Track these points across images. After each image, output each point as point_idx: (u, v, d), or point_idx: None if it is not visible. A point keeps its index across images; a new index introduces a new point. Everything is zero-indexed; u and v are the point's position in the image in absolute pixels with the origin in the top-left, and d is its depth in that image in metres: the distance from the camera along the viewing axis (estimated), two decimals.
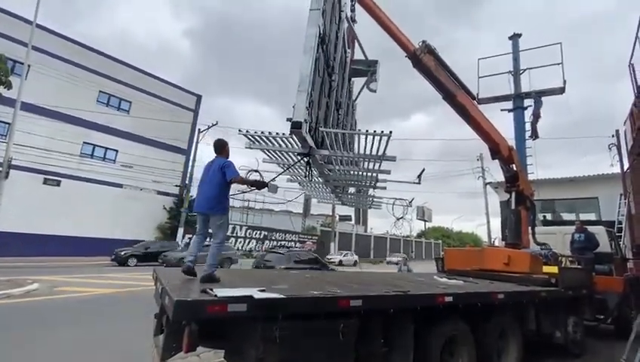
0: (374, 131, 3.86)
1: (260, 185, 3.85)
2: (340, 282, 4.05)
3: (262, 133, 4.18)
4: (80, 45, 21.82)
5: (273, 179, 4.20)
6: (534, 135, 10.24)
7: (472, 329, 3.75)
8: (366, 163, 4.72)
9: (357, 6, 5.93)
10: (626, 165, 12.74)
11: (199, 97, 28.38)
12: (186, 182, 24.65)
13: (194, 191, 24.89)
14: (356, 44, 6.38)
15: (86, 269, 14.47)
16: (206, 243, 3.98)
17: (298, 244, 33.10)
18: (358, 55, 6.46)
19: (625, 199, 12.05)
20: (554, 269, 5.59)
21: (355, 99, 7.10)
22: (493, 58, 12.27)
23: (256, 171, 4.17)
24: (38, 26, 15.26)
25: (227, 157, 3.80)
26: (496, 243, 19.45)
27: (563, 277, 5.24)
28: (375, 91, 6.25)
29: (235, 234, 28.08)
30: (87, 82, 21.43)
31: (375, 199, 7.91)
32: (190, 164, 25.01)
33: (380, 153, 4.16)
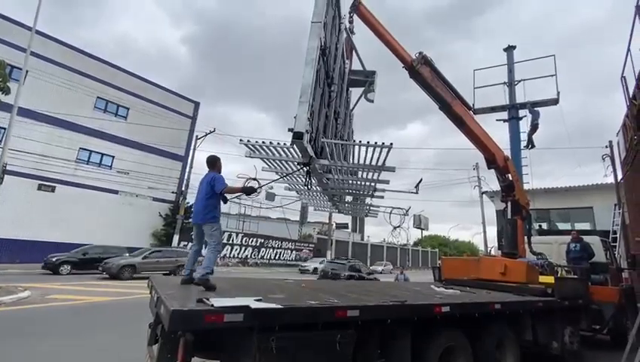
0: (375, 143, 3.93)
1: (248, 190, 4.01)
2: (336, 291, 4.03)
3: (262, 142, 4.24)
4: (78, 51, 21.86)
5: (266, 185, 4.25)
6: (530, 145, 10.36)
7: (469, 340, 3.73)
8: (365, 173, 4.77)
9: (355, 18, 6.02)
10: (620, 176, 12.90)
11: (197, 104, 28.46)
12: (183, 188, 24.52)
13: (190, 198, 24.80)
14: (354, 55, 6.47)
15: (79, 277, 14.26)
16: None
17: (294, 252, 32.95)
18: (356, 65, 6.55)
19: (619, 209, 12.19)
20: (550, 279, 5.61)
21: (352, 108, 7.18)
22: (489, 68, 12.51)
23: (254, 179, 4.20)
24: (37, 32, 15.30)
25: (219, 172, 3.99)
26: (493, 253, 19.49)
27: (559, 287, 5.25)
28: (372, 101, 6.33)
29: (230, 242, 27.89)
30: (84, 88, 21.43)
31: (372, 208, 7.94)
32: (187, 170, 24.94)
33: (380, 163, 4.23)
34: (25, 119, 18.23)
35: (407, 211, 8.42)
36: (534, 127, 10.25)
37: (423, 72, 6.06)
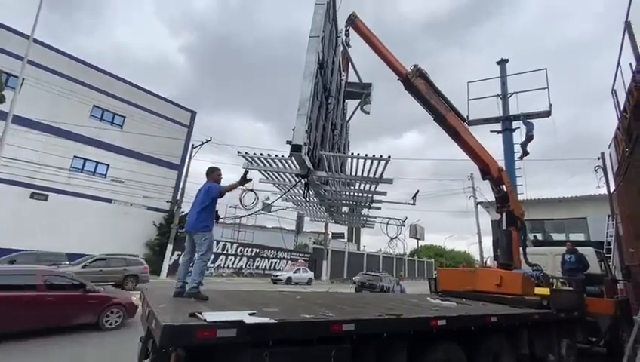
0: (373, 155, 3.97)
1: (242, 180, 4.05)
2: (332, 304, 3.99)
3: (260, 154, 4.26)
4: (75, 60, 21.88)
5: (266, 199, 4.27)
6: (524, 153, 10.46)
7: (465, 353, 3.70)
8: (362, 184, 4.80)
9: (351, 31, 6.12)
10: (613, 187, 13.05)
11: (194, 113, 28.50)
12: (178, 197, 24.34)
13: (185, 207, 24.59)
14: (350, 67, 6.56)
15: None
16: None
17: (290, 262, 32.63)
18: (352, 78, 6.63)
19: (613, 220, 12.28)
20: (546, 291, 5.62)
21: (349, 119, 7.23)
22: (483, 81, 12.71)
23: (250, 190, 4.22)
24: (35, 41, 15.33)
25: (217, 183, 4.04)
26: (489, 263, 19.45)
27: (555, 299, 5.25)
28: (369, 113, 6.40)
29: (225, 252, 27.59)
30: (81, 96, 21.40)
31: (369, 218, 7.95)
32: (182, 179, 24.79)
33: (378, 175, 4.26)
34: (20, 127, 18.11)
35: (403, 222, 8.44)
36: (529, 138, 10.38)
37: (417, 85, 6.14)
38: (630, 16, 6.53)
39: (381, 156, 4.00)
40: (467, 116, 10.78)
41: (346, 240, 49.63)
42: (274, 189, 5.44)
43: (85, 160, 21.78)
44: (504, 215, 7.23)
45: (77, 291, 6.63)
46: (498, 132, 11.29)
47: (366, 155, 4.08)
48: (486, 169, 7.12)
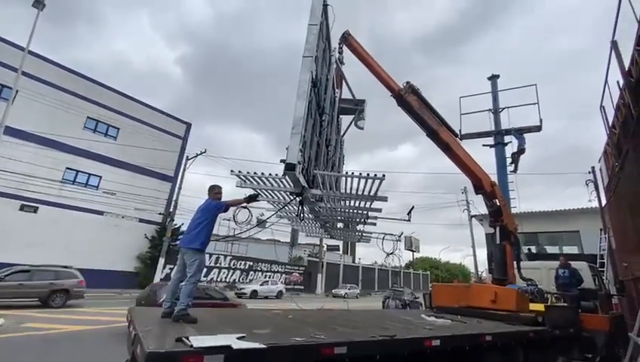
0: (367, 174, 3.98)
1: (250, 198, 4.11)
2: (324, 323, 3.91)
3: (254, 173, 4.26)
4: (69, 71, 21.88)
5: (266, 219, 4.25)
6: (515, 167, 10.58)
7: None
8: (357, 202, 4.80)
9: (345, 49, 6.21)
10: (604, 201, 13.19)
11: (188, 125, 28.48)
12: (170, 210, 24.07)
13: (177, 220, 24.31)
14: (344, 84, 6.63)
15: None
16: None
17: (284, 276, 32.23)
18: (346, 94, 6.70)
19: (605, 234, 12.37)
20: (540, 307, 5.58)
21: (343, 135, 7.27)
22: (475, 96, 12.95)
23: (244, 208, 4.19)
24: (30, 52, 15.34)
25: (218, 200, 4.02)
26: (484, 275, 19.40)
27: (550, 315, 5.21)
28: (362, 129, 6.44)
29: (218, 265, 27.20)
30: (74, 108, 21.31)
31: (364, 233, 7.92)
32: (176, 191, 24.59)
33: (372, 193, 4.26)
34: (12, 138, 17.94)
35: (399, 237, 8.42)
36: (521, 151, 10.52)
37: (410, 101, 6.22)
38: (616, 35, 6.73)
39: (375, 175, 4.02)
40: (459, 130, 10.94)
41: (341, 252, 49.33)
42: (268, 206, 5.41)
43: (77, 171, 21.53)
44: (497, 229, 7.25)
45: (223, 301, 9.78)
46: (490, 146, 11.43)
47: (360, 174, 4.09)
48: (479, 183, 7.17)
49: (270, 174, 4.25)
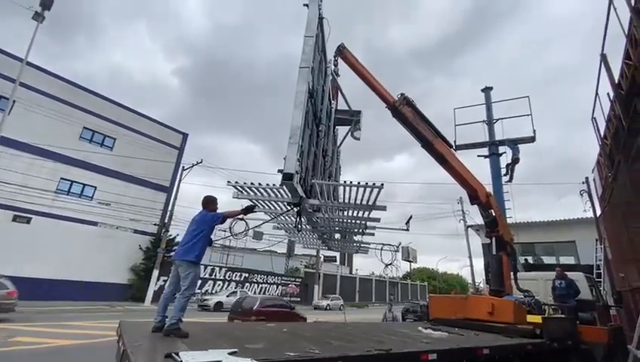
0: (366, 183, 3.98)
1: (247, 209, 4.10)
2: (319, 337, 3.84)
3: (251, 183, 4.24)
4: (66, 82, 21.91)
5: (258, 225, 4.19)
6: (511, 177, 10.66)
7: None
8: (355, 211, 4.78)
9: (340, 61, 6.29)
10: (599, 211, 13.26)
11: (185, 135, 28.48)
12: (166, 220, 23.84)
13: (172, 230, 24.06)
14: (339, 95, 6.70)
15: (48, 316, 13.28)
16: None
17: (280, 287, 31.84)
18: (342, 105, 6.76)
19: (601, 244, 12.38)
20: (538, 319, 5.52)
21: (339, 145, 7.31)
22: (470, 107, 13.09)
23: (241, 219, 4.15)
24: (27, 64, 15.40)
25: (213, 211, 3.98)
26: (482, 286, 19.23)
27: (547, 327, 5.15)
28: (359, 139, 6.47)
29: (213, 277, 26.84)
30: (71, 118, 21.28)
31: (362, 244, 7.88)
32: (171, 202, 24.40)
33: (371, 203, 4.25)
34: (7, 149, 17.85)
35: (397, 248, 8.38)
36: (515, 161, 10.62)
37: (405, 112, 6.28)
38: (606, 48, 6.90)
39: (374, 184, 4.01)
40: (454, 141, 11.03)
41: (338, 263, 48.94)
42: (265, 217, 5.36)
43: (72, 182, 21.34)
44: (494, 239, 7.23)
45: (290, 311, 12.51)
46: (485, 156, 11.53)
47: (359, 183, 4.08)
48: (474, 194, 7.18)
49: (267, 184, 4.23)
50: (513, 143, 10.95)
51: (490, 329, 5.38)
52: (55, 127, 20.42)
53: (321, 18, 4.81)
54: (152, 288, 21.10)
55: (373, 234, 6.68)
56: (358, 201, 4.42)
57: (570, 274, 7.80)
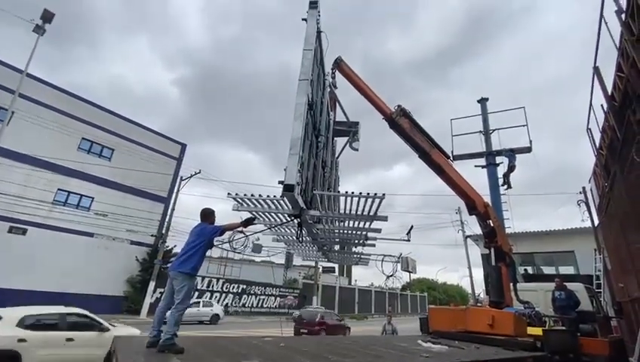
0: (367, 193, 3.99)
1: (246, 221, 4.02)
2: (316, 352, 3.78)
3: (252, 195, 4.24)
4: (64, 92, 21.98)
5: (256, 232, 4.18)
6: (508, 186, 10.69)
7: None
8: (356, 222, 4.77)
9: (337, 73, 6.38)
10: (597, 221, 13.27)
11: (184, 146, 28.52)
12: (163, 231, 23.65)
13: (170, 241, 23.86)
14: (337, 107, 6.76)
15: None
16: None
17: (279, 299, 31.46)
18: (339, 116, 6.82)
19: (600, 254, 12.36)
20: (538, 331, 5.46)
21: (338, 156, 7.34)
22: (466, 118, 13.21)
23: (240, 231, 4.12)
24: (27, 75, 15.50)
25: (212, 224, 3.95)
26: (482, 296, 19.05)
27: (548, 340, 5.09)
28: (357, 150, 6.51)
29: (210, 288, 26.51)
30: (69, 129, 21.30)
31: (363, 256, 7.84)
32: (169, 213, 24.27)
33: (372, 213, 4.25)
34: (5, 160, 17.81)
35: (398, 258, 8.33)
36: (511, 169, 10.67)
37: (402, 124, 6.33)
38: (598, 61, 7.02)
39: (375, 194, 4.02)
40: (452, 152, 11.10)
41: (337, 274, 48.49)
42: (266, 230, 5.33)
43: (69, 193, 21.23)
44: (492, 250, 7.20)
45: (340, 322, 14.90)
46: (482, 167, 11.58)
47: (360, 193, 4.09)
48: (472, 204, 7.19)
49: (268, 196, 4.22)
50: (510, 152, 11.03)
51: (491, 341, 5.32)
52: (53, 137, 20.42)
53: (319, 32, 4.89)
54: (149, 300, 20.77)
55: (374, 245, 6.65)
56: (359, 212, 4.42)
57: (569, 285, 7.75)
